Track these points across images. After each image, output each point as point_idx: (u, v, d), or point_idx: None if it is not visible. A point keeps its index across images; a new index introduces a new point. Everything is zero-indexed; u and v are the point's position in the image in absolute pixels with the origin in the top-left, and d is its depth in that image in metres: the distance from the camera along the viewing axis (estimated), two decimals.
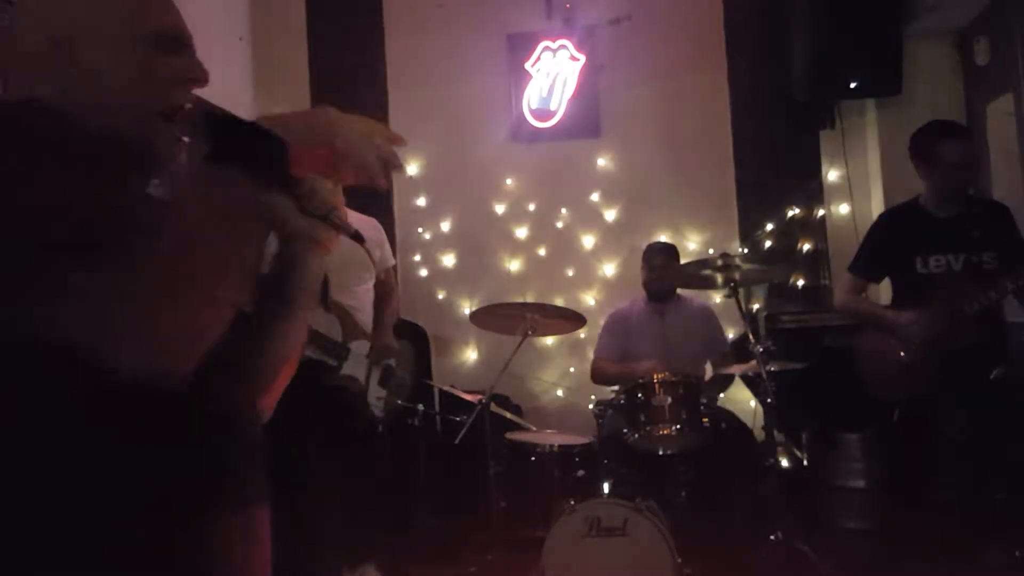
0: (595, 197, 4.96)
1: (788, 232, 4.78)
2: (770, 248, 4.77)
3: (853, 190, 4.79)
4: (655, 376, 3.35)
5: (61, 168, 0.96)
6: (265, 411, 1.18)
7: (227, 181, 0.93)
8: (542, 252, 4.97)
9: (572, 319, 3.60)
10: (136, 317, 0.89)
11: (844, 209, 4.82)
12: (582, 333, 4.25)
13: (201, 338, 0.94)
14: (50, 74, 1.06)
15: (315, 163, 0.98)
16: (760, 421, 3.54)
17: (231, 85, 4.55)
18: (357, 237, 1.08)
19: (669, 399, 3.30)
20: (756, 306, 4.64)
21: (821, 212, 4.80)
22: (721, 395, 4.08)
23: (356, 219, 2.66)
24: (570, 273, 4.93)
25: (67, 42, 1.05)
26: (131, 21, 1.07)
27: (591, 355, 4.17)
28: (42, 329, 0.90)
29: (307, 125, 0.98)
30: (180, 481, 0.99)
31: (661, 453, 3.34)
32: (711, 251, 4.67)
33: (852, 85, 4.40)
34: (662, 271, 3.95)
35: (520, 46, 4.97)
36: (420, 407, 3.60)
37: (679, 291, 4.07)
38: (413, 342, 3.75)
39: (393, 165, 1.00)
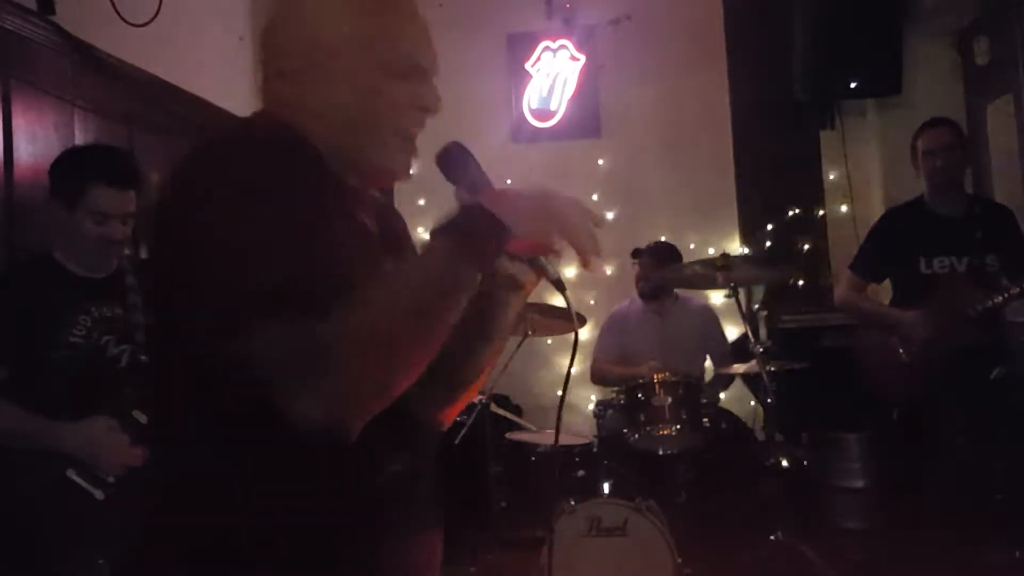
0: (595, 197, 4.96)
1: (788, 232, 4.78)
2: (770, 248, 4.77)
3: (853, 190, 4.79)
4: (655, 376, 3.35)
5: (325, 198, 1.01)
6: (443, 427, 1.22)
7: (447, 256, 0.95)
8: None
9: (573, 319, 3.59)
10: (340, 375, 0.89)
11: (844, 209, 4.82)
12: (582, 333, 4.25)
13: (386, 401, 0.95)
14: (292, 93, 1.09)
15: (532, 244, 1.04)
16: (760, 421, 3.54)
17: (231, 85, 4.54)
18: (559, 284, 1.09)
19: (669, 399, 3.30)
20: (756, 306, 4.64)
21: (821, 212, 4.80)
22: (722, 395, 4.08)
23: None
24: (570, 273, 4.92)
25: (308, 62, 1.08)
26: (393, 44, 1.10)
27: (592, 355, 4.17)
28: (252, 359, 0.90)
29: (534, 216, 1.00)
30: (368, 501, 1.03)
31: (661, 453, 3.34)
32: (711, 251, 4.67)
33: (852, 85, 4.40)
34: (648, 272, 3.96)
35: (520, 46, 4.97)
36: None
37: (678, 291, 4.08)
38: None
39: (597, 250, 1.02)
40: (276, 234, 0.92)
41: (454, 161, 1.10)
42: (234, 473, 0.97)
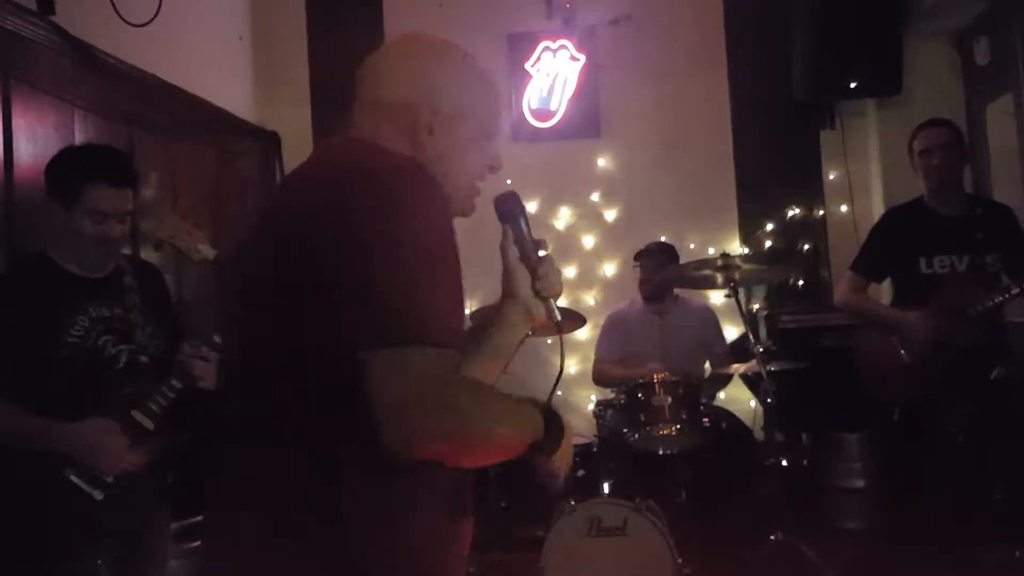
0: (595, 197, 4.96)
1: (788, 232, 4.77)
2: (770, 248, 4.76)
3: (853, 190, 4.79)
4: (655, 376, 3.35)
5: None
6: None
7: (536, 433, 1.24)
8: (542, 252, 4.95)
9: (572, 319, 3.59)
10: (433, 426, 1.01)
11: (844, 209, 4.81)
12: (582, 333, 4.25)
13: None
14: (407, 135, 1.23)
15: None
16: (760, 421, 3.54)
17: (231, 85, 4.54)
18: (559, 326, 1.37)
19: (669, 399, 3.31)
20: (756, 306, 4.64)
21: (821, 212, 4.80)
22: (721, 395, 4.08)
23: None
24: (570, 273, 4.93)
25: (436, 113, 1.23)
26: (489, 111, 1.31)
27: (591, 355, 4.17)
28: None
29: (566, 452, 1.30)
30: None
31: (661, 453, 3.34)
32: (711, 251, 4.67)
33: (852, 85, 4.40)
34: (649, 273, 3.96)
35: (520, 46, 4.97)
36: None
37: (678, 291, 4.08)
38: None
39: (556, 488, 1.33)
40: (438, 276, 1.06)
41: (508, 208, 1.42)
42: (350, 471, 1.08)
